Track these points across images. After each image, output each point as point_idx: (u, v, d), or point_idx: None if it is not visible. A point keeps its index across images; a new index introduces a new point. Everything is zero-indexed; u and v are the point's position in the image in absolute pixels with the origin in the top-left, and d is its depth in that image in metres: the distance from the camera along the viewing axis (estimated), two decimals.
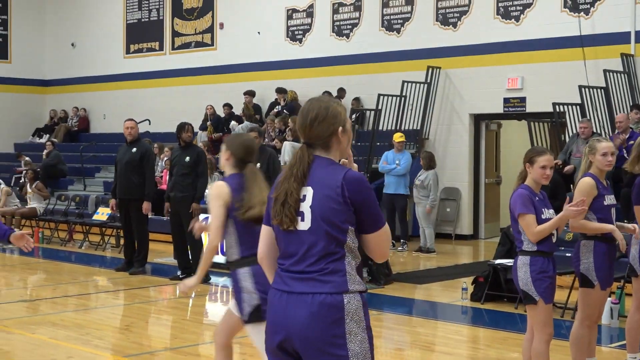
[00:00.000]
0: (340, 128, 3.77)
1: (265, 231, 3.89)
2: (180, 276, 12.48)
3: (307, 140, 3.79)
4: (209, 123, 21.03)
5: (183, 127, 12.51)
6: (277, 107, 20.29)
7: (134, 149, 12.97)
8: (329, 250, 3.64)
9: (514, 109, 17.07)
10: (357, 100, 18.86)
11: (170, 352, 8.40)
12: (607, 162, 6.89)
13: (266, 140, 17.21)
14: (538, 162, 6.36)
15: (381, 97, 17.22)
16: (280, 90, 20.23)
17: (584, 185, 6.73)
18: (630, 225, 6.89)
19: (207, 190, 13.71)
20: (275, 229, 3.79)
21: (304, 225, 3.68)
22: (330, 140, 3.77)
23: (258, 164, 11.34)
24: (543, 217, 6.22)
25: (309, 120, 3.76)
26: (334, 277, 3.63)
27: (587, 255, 6.75)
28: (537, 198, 6.28)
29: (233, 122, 20.27)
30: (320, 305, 3.59)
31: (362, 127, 18.73)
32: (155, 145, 18.65)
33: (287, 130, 18.85)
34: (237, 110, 21.00)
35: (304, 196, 3.69)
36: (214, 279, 12.58)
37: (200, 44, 23.00)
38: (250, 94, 20.72)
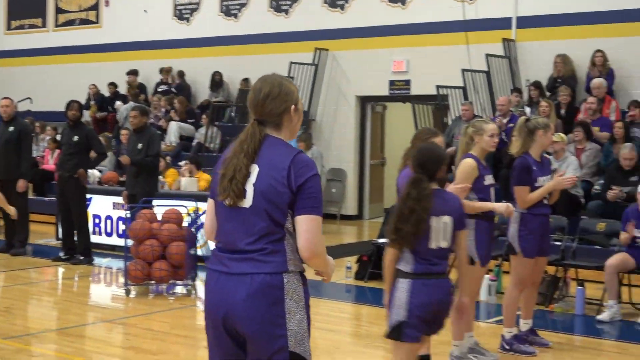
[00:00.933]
0: (293, 106, 3.74)
1: (211, 205, 3.83)
2: (63, 257, 12.27)
3: (258, 117, 3.72)
4: (92, 102, 20.64)
5: (68, 105, 12.24)
6: (161, 86, 20.07)
7: (11, 128, 12.64)
8: (269, 230, 3.60)
9: (399, 91, 17.33)
10: (245, 81, 18.81)
11: (54, 334, 8.28)
12: (493, 143, 7.13)
13: (151, 120, 17.00)
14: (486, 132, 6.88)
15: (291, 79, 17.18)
16: (165, 70, 20.04)
17: (466, 166, 6.91)
18: (499, 205, 7.07)
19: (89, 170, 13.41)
20: (217, 205, 3.74)
21: (246, 202, 3.63)
22: (282, 118, 3.73)
23: (140, 145, 11.30)
24: None
25: (262, 97, 3.70)
26: (274, 258, 3.59)
27: (469, 234, 6.94)
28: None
29: (118, 102, 19.98)
30: (260, 285, 3.56)
31: None
32: (37, 124, 18.22)
33: (172, 110, 18.71)
34: (123, 89, 20.69)
35: (249, 173, 3.63)
36: (97, 260, 12.42)
37: (85, 22, 22.52)
38: (134, 73, 20.42)
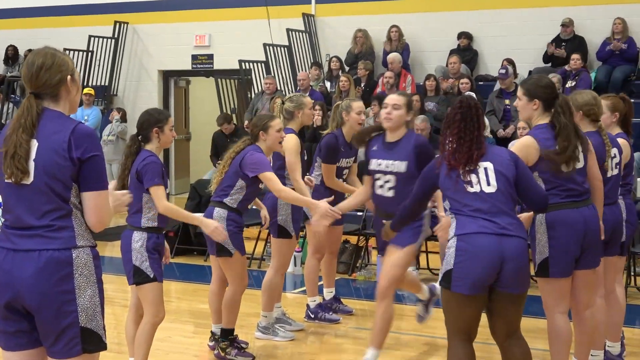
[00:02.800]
0: (69, 77, 3.67)
1: None
2: None
3: (34, 90, 3.64)
4: None
5: None
6: None
7: None
8: (55, 207, 3.56)
9: (202, 66, 17.26)
10: (30, 52, 18.13)
11: None
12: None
13: None
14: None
15: (67, 52, 16.73)
16: None
17: (293, 142, 6.99)
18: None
19: None
20: (0, 183, 3.64)
21: (28, 179, 3.55)
22: (59, 89, 3.66)
23: None
24: None
25: (35, 69, 3.62)
26: (62, 234, 3.56)
27: (286, 208, 7.05)
28: None
29: None
30: (47, 261, 3.51)
31: None
32: None
33: None
34: None
35: (30, 149, 3.56)
36: None
37: None
38: None
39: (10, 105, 16.91)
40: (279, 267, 7.20)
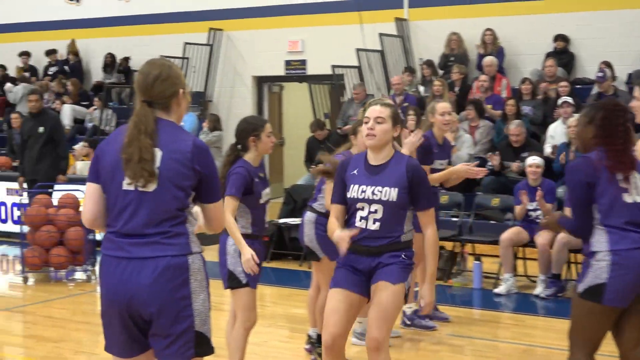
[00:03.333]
0: (182, 90, 3.77)
1: (93, 191, 3.76)
2: None
3: (146, 99, 3.71)
4: None
5: None
6: (50, 69, 19.65)
7: None
8: (173, 214, 3.63)
9: (295, 71, 17.35)
10: (125, 60, 18.56)
11: None
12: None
13: (46, 101, 16.63)
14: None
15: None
16: (50, 52, 19.62)
17: None
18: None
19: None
20: (112, 189, 3.68)
21: (150, 186, 3.62)
22: (171, 101, 3.75)
23: (41, 128, 11.07)
24: None
25: (151, 79, 3.71)
26: (178, 240, 3.63)
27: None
28: None
29: (8, 84, 19.42)
30: (165, 267, 3.58)
31: None
32: None
33: (66, 92, 18.33)
34: (12, 72, 20.15)
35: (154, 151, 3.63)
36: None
37: None
38: (25, 54, 19.94)
39: (109, 111, 17.27)
40: None
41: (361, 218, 4.84)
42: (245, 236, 5.55)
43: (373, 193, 4.80)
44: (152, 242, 3.60)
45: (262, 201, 5.62)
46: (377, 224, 4.80)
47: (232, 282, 5.60)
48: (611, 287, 4.55)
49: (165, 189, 3.62)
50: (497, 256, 9.80)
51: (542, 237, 9.12)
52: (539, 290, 9.14)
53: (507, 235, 9.36)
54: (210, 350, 3.74)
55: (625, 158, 4.63)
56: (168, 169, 3.62)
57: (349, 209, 4.90)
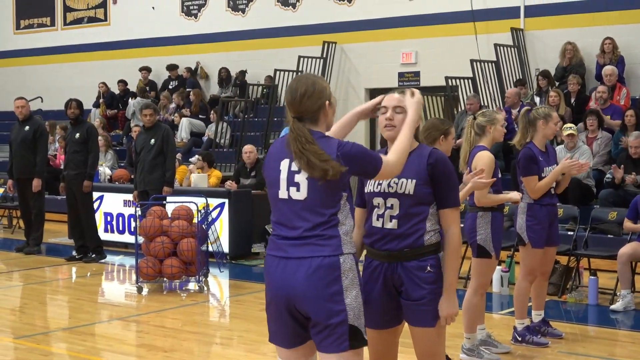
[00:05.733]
0: (327, 102, 4.02)
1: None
2: (77, 256, 12.31)
3: (297, 115, 4.00)
4: (101, 100, 20.74)
5: (67, 104, 12.30)
6: (171, 83, 20.12)
7: (27, 127, 12.74)
8: (324, 219, 3.90)
9: (409, 83, 17.27)
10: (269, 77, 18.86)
11: (64, 332, 8.28)
12: (504, 132, 7.12)
13: (161, 116, 17.02)
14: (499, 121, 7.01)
15: (278, 72, 17.25)
16: (171, 67, 20.09)
17: (488, 159, 6.78)
18: (514, 194, 7.01)
19: (100, 168, 13.59)
20: (271, 197, 4.06)
21: (300, 195, 3.92)
22: (319, 114, 4.01)
23: (152, 140, 11.32)
24: None
25: (299, 96, 3.98)
26: (330, 242, 3.90)
27: (485, 227, 6.89)
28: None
29: (135, 100, 19.95)
30: (318, 266, 3.86)
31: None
32: (47, 123, 18.27)
33: (188, 106, 18.73)
34: (132, 87, 20.73)
35: (299, 168, 3.91)
36: (109, 258, 12.47)
37: (93, 19, 22.54)
38: (146, 69, 20.49)
39: (224, 125, 17.53)
40: (478, 287, 7.03)
41: (378, 217, 4.39)
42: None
43: (389, 185, 4.35)
44: (307, 244, 3.90)
45: None
46: (394, 221, 4.34)
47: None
48: None
49: (314, 196, 3.91)
50: (614, 271, 9.49)
51: None
52: None
53: (625, 250, 9.05)
54: (364, 342, 3.95)
55: None
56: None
57: (368, 208, 4.47)
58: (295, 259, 3.90)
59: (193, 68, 19.99)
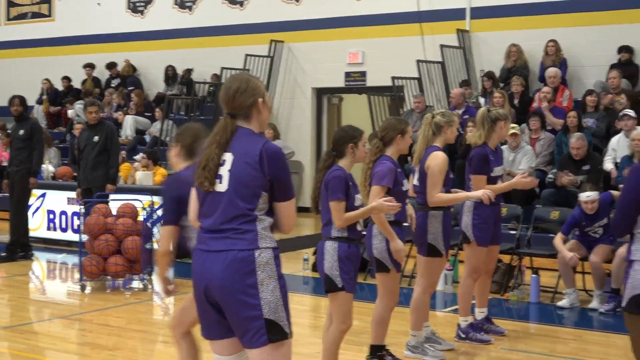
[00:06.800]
0: (261, 99, 4.09)
1: (193, 194, 4.23)
2: (20, 253, 12.13)
3: (230, 111, 4.08)
4: (44, 97, 20.49)
5: (10, 101, 12.15)
6: (112, 81, 19.95)
7: None
8: (242, 212, 3.96)
9: (355, 83, 17.35)
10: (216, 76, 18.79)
11: (6, 331, 8.16)
12: (456, 134, 7.20)
13: (105, 113, 16.87)
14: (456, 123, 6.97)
15: (224, 71, 17.19)
16: (111, 65, 19.94)
17: (442, 159, 6.84)
18: (476, 193, 7.06)
19: (42, 165, 13.40)
20: (197, 190, 4.12)
21: (222, 187, 4.00)
22: (252, 110, 4.08)
23: (96, 137, 11.21)
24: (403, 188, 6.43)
25: (232, 92, 4.07)
26: (246, 236, 3.94)
27: (436, 226, 6.93)
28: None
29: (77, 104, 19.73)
30: (233, 259, 3.91)
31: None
32: None
33: (130, 104, 18.57)
34: (76, 83, 20.51)
35: (224, 161, 4.00)
36: (52, 256, 12.31)
37: (37, 15, 22.24)
38: (90, 66, 20.28)
39: (170, 122, 17.43)
40: (427, 286, 7.09)
41: None
42: (342, 239, 5.77)
43: None
44: (225, 237, 3.96)
45: (356, 204, 5.82)
46: None
47: (329, 285, 5.81)
48: None
49: (234, 189, 3.97)
50: (555, 270, 9.63)
51: (595, 254, 9.01)
52: (595, 304, 9.01)
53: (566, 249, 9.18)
54: (284, 335, 3.95)
55: None
56: (238, 172, 3.98)
57: None
58: (214, 252, 3.97)
59: (121, 67, 19.83)
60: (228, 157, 4.01)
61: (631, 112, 11.48)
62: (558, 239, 9.17)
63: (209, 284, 3.96)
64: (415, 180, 7.08)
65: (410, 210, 6.89)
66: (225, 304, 3.94)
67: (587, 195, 9.04)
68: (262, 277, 3.91)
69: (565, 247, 9.12)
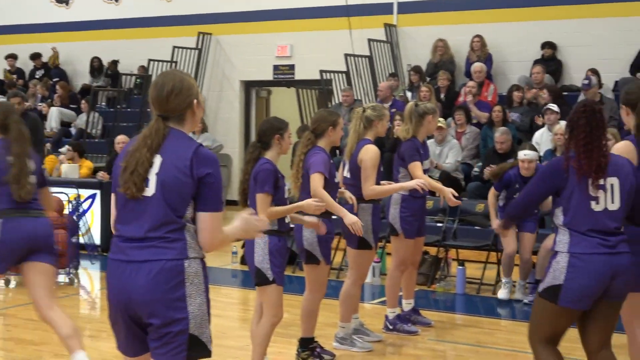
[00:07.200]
0: (195, 101, 3.83)
1: (113, 199, 3.88)
2: None
3: (162, 113, 3.79)
4: None
5: None
6: (36, 72, 19.62)
7: None
8: (170, 220, 3.68)
9: (284, 76, 17.35)
10: (114, 63, 18.58)
11: None
12: (387, 128, 7.28)
13: (29, 104, 16.56)
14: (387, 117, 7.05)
15: (152, 63, 17.04)
16: (35, 56, 19.60)
17: (374, 153, 6.91)
18: (411, 183, 7.15)
19: None
20: (118, 196, 3.79)
21: (149, 191, 3.70)
22: (186, 113, 3.82)
23: None
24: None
25: (165, 94, 3.77)
26: (175, 245, 3.68)
27: (366, 219, 6.96)
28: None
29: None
30: (160, 270, 3.64)
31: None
32: None
33: (55, 96, 18.28)
34: None
35: (152, 163, 3.71)
36: None
37: None
38: (12, 57, 19.90)
39: (96, 115, 17.22)
40: (357, 279, 7.15)
41: None
42: (272, 232, 5.81)
43: None
44: (150, 246, 3.67)
45: (286, 196, 5.89)
46: None
47: (259, 278, 5.83)
48: (567, 289, 4.60)
49: (162, 195, 3.68)
50: (481, 262, 9.80)
51: (524, 248, 9.16)
52: (518, 295, 9.17)
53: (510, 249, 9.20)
54: (206, 353, 3.76)
55: (589, 162, 4.58)
56: (167, 176, 3.69)
57: None
58: (136, 262, 3.67)
59: (49, 57, 19.54)
60: (157, 160, 3.71)
61: (554, 107, 11.71)
62: (491, 195, 9.23)
63: (131, 296, 3.67)
64: (346, 172, 7.13)
65: (347, 193, 6.91)
66: (149, 318, 3.67)
67: (525, 154, 8.97)
68: (190, 290, 3.68)
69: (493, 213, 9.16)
